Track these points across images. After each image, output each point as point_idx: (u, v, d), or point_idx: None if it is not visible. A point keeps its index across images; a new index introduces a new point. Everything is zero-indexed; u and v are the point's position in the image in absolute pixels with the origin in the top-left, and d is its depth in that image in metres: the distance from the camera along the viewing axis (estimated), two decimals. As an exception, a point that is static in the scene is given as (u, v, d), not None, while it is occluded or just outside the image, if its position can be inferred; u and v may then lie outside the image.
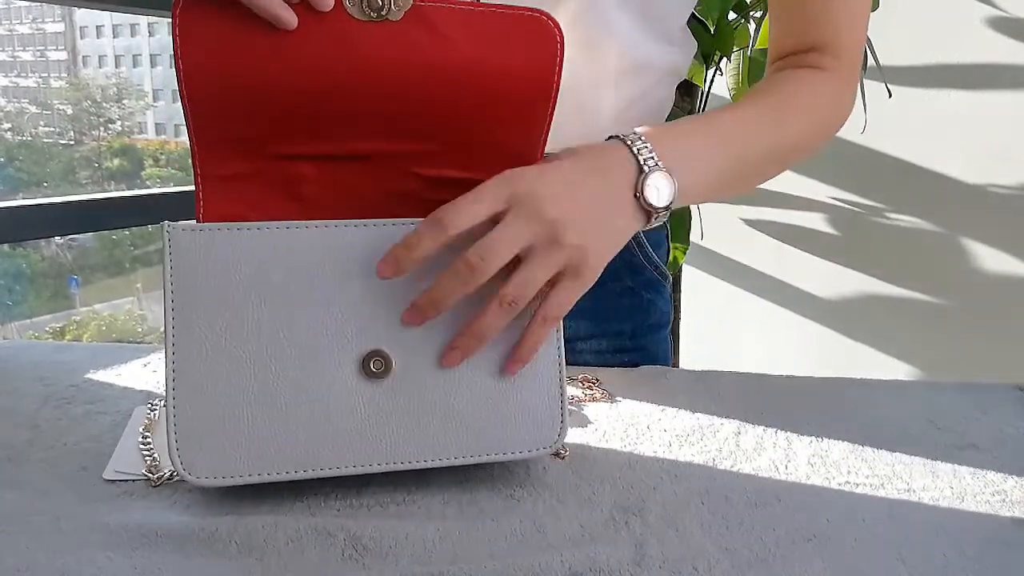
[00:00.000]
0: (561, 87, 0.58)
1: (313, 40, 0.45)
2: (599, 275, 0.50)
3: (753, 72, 1.48)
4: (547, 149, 0.70)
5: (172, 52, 0.45)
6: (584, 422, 0.61)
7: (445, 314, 0.49)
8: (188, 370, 0.47)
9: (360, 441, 0.49)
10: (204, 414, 0.47)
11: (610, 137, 0.53)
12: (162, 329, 0.47)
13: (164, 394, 0.49)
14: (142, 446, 0.55)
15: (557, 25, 0.49)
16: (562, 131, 0.70)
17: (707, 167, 0.55)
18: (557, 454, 0.56)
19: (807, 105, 0.62)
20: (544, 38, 0.49)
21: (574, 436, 0.59)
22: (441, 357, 0.49)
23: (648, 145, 0.52)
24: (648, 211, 0.52)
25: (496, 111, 0.50)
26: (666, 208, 0.52)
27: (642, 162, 0.51)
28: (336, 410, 0.49)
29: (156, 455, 0.54)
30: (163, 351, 0.48)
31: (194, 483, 0.47)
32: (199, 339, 0.47)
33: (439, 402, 0.50)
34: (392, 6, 0.45)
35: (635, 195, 0.51)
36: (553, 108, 0.51)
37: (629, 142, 0.52)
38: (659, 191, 0.51)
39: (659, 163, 0.51)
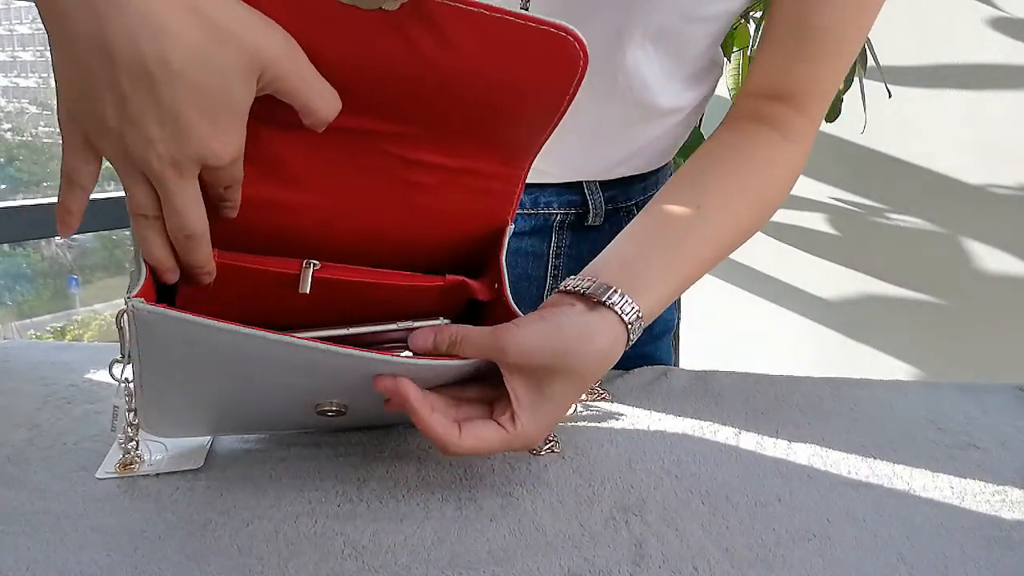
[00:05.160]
0: (581, 126, 0.55)
1: (296, 21, 0.40)
2: None
3: (753, 72, 1.48)
4: (558, 176, 0.69)
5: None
6: (584, 422, 0.61)
7: None
8: (153, 387, 0.47)
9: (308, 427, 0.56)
10: (169, 411, 0.50)
11: (607, 297, 0.49)
12: None
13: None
14: (125, 443, 0.55)
15: (583, 47, 0.44)
16: (574, 163, 0.69)
17: (666, 303, 0.53)
18: (552, 450, 0.56)
19: (771, 191, 0.59)
20: (566, 60, 0.44)
21: (574, 436, 0.58)
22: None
23: (641, 325, 0.49)
24: None
25: (494, 119, 0.47)
26: None
27: (628, 344, 0.50)
28: (294, 424, 0.54)
29: (140, 452, 0.54)
30: None
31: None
32: (163, 380, 0.47)
33: (385, 419, 0.56)
34: None
35: None
36: (557, 123, 0.48)
37: (630, 326, 0.49)
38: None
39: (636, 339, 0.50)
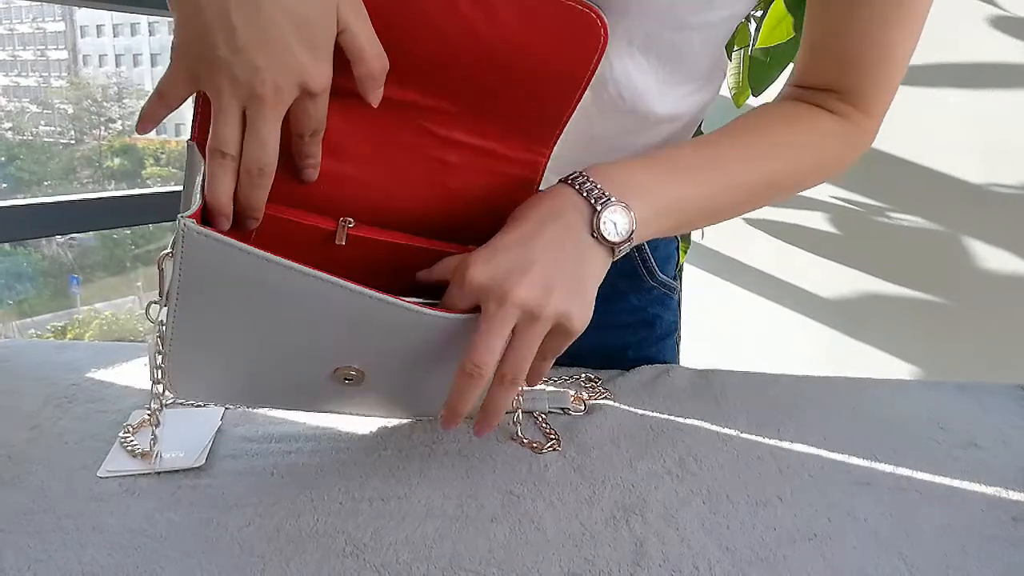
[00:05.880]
0: (576, 134, 0.57)
1: None
2: (588, 321, 0.50)
3: (753, 72, 1.48)
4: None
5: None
6: (584, 422, 0.61)
7: (413, 344, 0.50)
8: (186, 330, 0.49)
9: (321, 404, 0.56)
10: (195, 362, 0.51)
11: (558, 182, 0.52)
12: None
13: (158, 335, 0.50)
14: (126, 446, 0.55)
15: (605, 25, 0.48)
16: (571, 170, 0.68)
17: (664, 198, 0.53)
18: (553, 448, 0.56)
19: (804, 145, 0.58)
20: (589, 35, 0.48)
21: (574, 436, 0.59)
22: (474, 429, 0.52)
23: (596, 182, 0.50)
24: (610, 247, 0.50)
25: (522, 92, 0.50)
26: (626, 242, 0.50)
27: (593, 201, 0.50)
28: (307, 392, 0.54)
29: (141, 450, 0.54)
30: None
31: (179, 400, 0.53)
32: (198, 314, 0.48)
33: (397, 396, 0.57)
34: None
35: (592, 234, 0.50)
36: (579, 100, 0.51)
37: (576, 184, 0.50)
38: (615, 225, 0.50)
39: (610, 197, 0.50)
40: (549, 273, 0.48)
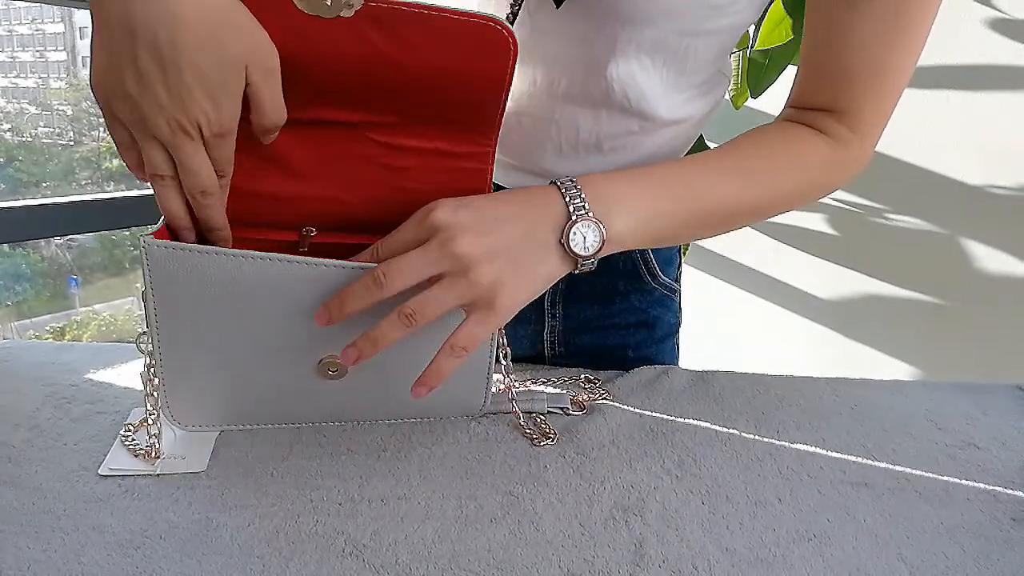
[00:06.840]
0: (580, 136, 0.59)
1: (271, 31, 0.46)
2: (512, 314, 0.50)
3: (752, 74, 1.48)
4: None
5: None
6: (584, 422, 0.61)
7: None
8: (172, 351, 0.53)
9: (315, 410, 0.59)
10: (186, 382, 0.55)
11: (551, 182, 0.53)
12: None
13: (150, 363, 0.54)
14: (127, 444, 0.55)
15: (511, 34, 0.49)
16: (574, 172, 0.67)
17: (643, 215, 0.53)
18: (547, 437, 0.56)
19: (794, 165, 0.58)
20: (497, 46, 0.50)
21: (574, 436, 0.59)
22: (340, 354, 0.51)
23: (581, 192, 0.51)
24: (573, 259, 0.51)
25: (451, 100, 0.52)
26: (592, 256, 0.51)
27: (572, 209, 0.51)
28: (296, 397, 0.57)
29: (142, 448, 0.55)
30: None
31: (178, 429, 0.57)
32: (179, 328, 0.52)
33: (385, 391, 0.58)
34: (343, 4, 0.47)
35: (559, 241, 0.50)
36: (504, 106, 0.52)
37: (563, 188, 0.51)
38: (584, 239, 0.50)
39: (589, 211, 0.50)
40: (501, 249, 0.49)
